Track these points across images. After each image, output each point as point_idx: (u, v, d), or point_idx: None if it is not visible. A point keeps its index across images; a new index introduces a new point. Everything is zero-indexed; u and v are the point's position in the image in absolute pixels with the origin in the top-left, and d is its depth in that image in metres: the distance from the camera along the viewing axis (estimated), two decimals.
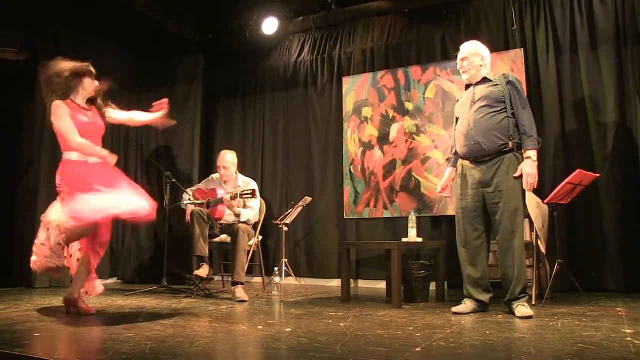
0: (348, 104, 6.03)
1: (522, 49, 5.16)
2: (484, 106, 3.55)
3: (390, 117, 5.76)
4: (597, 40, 4.90)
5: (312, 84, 6.35)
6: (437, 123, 5.45)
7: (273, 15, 6.23)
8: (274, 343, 2.59)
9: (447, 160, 4.02)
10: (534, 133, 3.49)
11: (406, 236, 4.44)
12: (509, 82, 3.58)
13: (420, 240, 4.36)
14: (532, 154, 3.45)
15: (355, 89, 5.99)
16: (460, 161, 3.71)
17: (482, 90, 3.62)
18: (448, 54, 5.51)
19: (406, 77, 5.72)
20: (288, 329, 2.98)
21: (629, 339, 2.59)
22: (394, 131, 5.72)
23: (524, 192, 3.53)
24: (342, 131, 6.03)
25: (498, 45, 5.29)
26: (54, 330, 2.91)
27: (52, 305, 4.00)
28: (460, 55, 3.76)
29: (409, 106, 5.67)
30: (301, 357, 2.26)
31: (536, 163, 3.46)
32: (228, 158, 5.19)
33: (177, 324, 3.15)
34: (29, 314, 3.57)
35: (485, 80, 3.66)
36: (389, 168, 5.70)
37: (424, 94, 5.61)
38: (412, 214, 4.48)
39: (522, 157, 3.53)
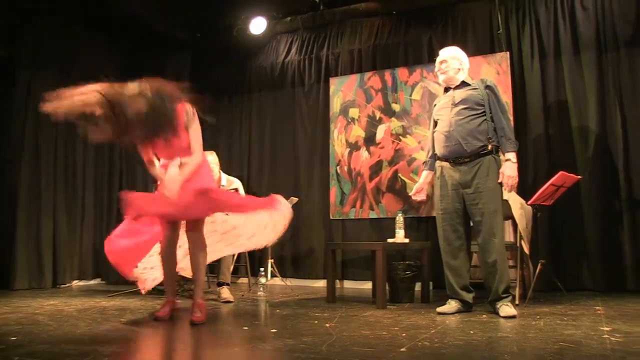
0: (335, 105, 6.04)
1: (508, 53, 5.21)
2: (465, 109, 3.59)
3: (377, 118, 5.78)
4: (579, 45, 4.98)
5: (299, 84, 6.35)
6: (424, 124, 5.47)
7: (261, 14, 6.23)
8: (259, 344, 2.59)
9: (423, 163, 4.03)
10: (512, 136, 3.55)
11: (392, 237, 4.45)
12: (487, 87, 3.62)
13: (404, 241, 4.38)
14: (512, 156, 3.49)
15: (343, 90, 6.00)
16: (439, 163, 3.73)
17: (461, 93, 3.66)
18: (435, 56, 5.53)
19: (393, 78, 5.74)
20: (273, 330, 2.98)
21: (606, 336, 2.64)
22: (381, 132, 5.74)
23: (502, 193, 3.57)
24: (328, 131, 6.04)
25: (484, 48, 5.34)
26: (33, 333, 2.86)
27: (31, 307, 3.95)
28: (439, 58, 3.81)
29: (396, 107, 5.70)
30: (286, 357, 2.26)
31: (516, 165, 3.50)
32: (209, 159, 5.18)
33: (162, 325, 3.13)
34: (6, 316, 3.50)
35: (464, 84, 3.70)
36: (375, 169, 5.72)
37: (410, 95, 5.64)
38: (400, 214, 4.49)
39: (500, 159, 3.57)
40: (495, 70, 5.19)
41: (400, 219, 4.42)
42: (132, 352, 2.38)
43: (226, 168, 5.44)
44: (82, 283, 5.91)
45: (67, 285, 5.68)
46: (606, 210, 4.72)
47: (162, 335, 2.78)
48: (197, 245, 3.36)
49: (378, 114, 5.79)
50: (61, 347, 2.50)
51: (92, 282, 6.09)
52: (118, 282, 6.00)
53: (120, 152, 6.41)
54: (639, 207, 4.61)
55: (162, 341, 2.61)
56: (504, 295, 3.43)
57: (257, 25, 6.25)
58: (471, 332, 2.83)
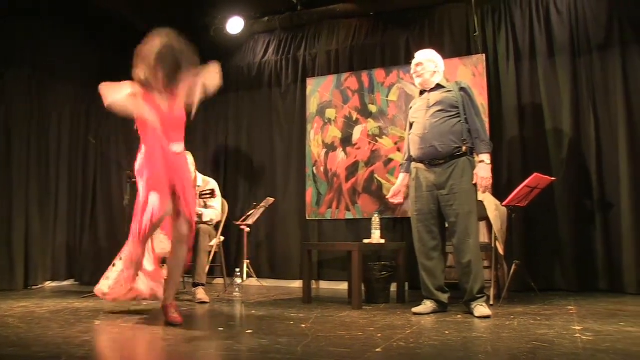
0: (312, 105, 6.03)
1: (484, 55, 5.26)
2: (439, 111, 3.62)
3: (354, 119, 5.80)
4: (554, 48, 5.06)
5: (276, 84, 6.33)
6: (400, 125, 5.50)
7: (238, 14, 6.19)
8: (235, 345, 2.57)
9: (400, 165, 4.05)
10: (486, 137, 3.59)
11: (368, 237, 4.46)
12: (461, 89, 3.66)
13: (380, 241, 4.39)
14: (486, 157, 3.53)
15: (319, 90, 6.00)
16: (414, 164, 3.75)
17: (436, 96, 3.68)
18: (412, 57, 5.57)
19: (370, 79, 5.76)
20: (249, 331, 2.97)
21: (577, 335, 2.69)
22: (357, 133, 5.76)
23: (477, 194, 3.61)
24: (305, 132, 6.03)
25: (461, 50, 5.39)
26: (2, 336, 2.79)
27: (0, 310, 3.85)
28: (415, 61, 3.83)
29: (373, 108, 5.72)
30: (262, 358, 2.25)
31: (490, 166, 3.53)
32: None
33: (136, 327, 3.10)
34: None
35: (438, 86, 3.73)
36: (352, 170, 5.73)
37: (387, 96, 5.66)
38: (376, 215, 4.51)
39: (475, 161, 3.60)
40: (471, 72, 5.24)
41: (376, 219, 4.43)
42: (106, 355, 2.35)
43: (202, 168, 5.40)
44: (54, 284, 5.81)
45: (39, 286, 5.57)
46: (579, 211, 4.80)
47: (136, 337, 2.74)
48: (181, 245, 3.26)
49: (355, 115, 5.80)
50: (32, 350, 2.45)
51: (65, 282, 5.98)
52: (92, 282, 5.92)
53: (94, 150, 6.32)
54: (610, 208, 4.69)
55: (136, 343, 2.58)
56: (479, 296, 3.46)
57: (235, 25, 6.21)
58: (446, 332, 2.85)
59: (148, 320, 3.33)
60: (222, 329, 3.06)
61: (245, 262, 5.36)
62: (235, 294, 4.71)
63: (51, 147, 5.87)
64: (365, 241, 4.44)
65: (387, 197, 4.11)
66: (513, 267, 4.06)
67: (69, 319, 3.40)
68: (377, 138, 5.65)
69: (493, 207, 4.21)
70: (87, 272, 6.10)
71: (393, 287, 4.42)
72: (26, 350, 2.43)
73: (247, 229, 5.44)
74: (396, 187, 3.96)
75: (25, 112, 5.56)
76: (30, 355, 2.34)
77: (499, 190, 4.80)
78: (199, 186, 5.05)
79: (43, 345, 2.52)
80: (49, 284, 5.76)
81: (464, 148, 3.55)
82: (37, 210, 5.60)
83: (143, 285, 3.46)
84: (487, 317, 3.31)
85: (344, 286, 5.26)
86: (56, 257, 5.88)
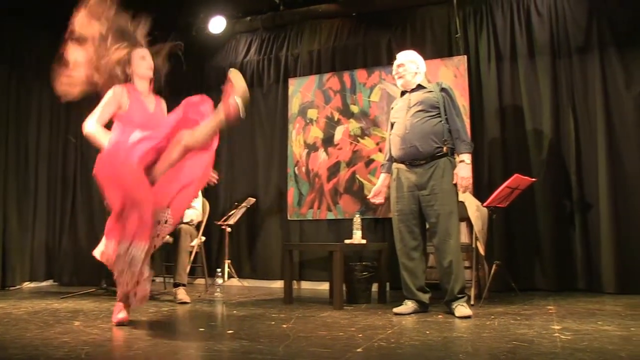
0: (293, 106, 6.03)
1: (465, 56, 5.30)
2: (420, 111, 3.63)
3: (336, 120, 5.80)
4: (534, 50, 5.11)
5: (258, 84, 6.31)
6: (382, 126, 5.52)
7: (220, 14, 6.16)
8: (216, 345, 2.56)
9: (381, 166, 4.06)
10: (467, 138, 3.61)
11: (349, 238, 4.47)
12: (442, 89, 3.68)
13: (362, 242, 4.40)
14: (466, 157, 3.55)
15: (301, 91, 6.00)
16: (395, 165, 3.76)
17: (417, 96, 3.70)
18: (394, 58, 5.59)
19: (352, 80, 5.77)
20: (230, 331, 2.95)
21: (556, 334, 2.72)
22: (339, 133, 5.76)
23: (457, 195, 3.63)
24: (287, 132, 6.02)
25: (442, 51, 5.42)
26: None
27: None
28: (396, 62, 3.85)
29: (354, 109, 5.73)
30: (243, 359, 2.24)
31: (470, 166, 3.56)
32: None
33: (116, 327, 3.06)
34: None
35: (420, 87, 3.75)
36: (333, 170, 5.74)
37: (369, 97, 5.68)
38: (357, 215, 4.52)
39: (456, 161, 3.63)
40: (452, 74, 5.28)
41: (357, 220, 4.44)
42: (85, 356, 2.32)
43: None
44: (33, 285, 5.73)
45: (17, 287, 5.49)
46: (559, 212, 4.85)
47: (116, 337, 2.72)
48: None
49: (336, 115, 5.81)
50: (8, 352, 2.41)
51: (44, 283, 5.91)
52: (71, 283, 5.86)
53: (75, 149, 6.25)
54: (589, 208, 4.76)
55: (116, 343, 2.55)
56: (460, 296, 3.48)
57: (216, 25, 6.18)
58: (427, 332, 2.86)
59: (128, 321, 3.30)
60: (203, 329, 3.04)
61: (227, 262, 5.34)
62: (216, 294, 4.69)
63: (30, 145, 5.79)
64: (347, 241, 4.44)
65: (368, 197, 4.12)
66: (493, 267, 4.09)
67: (48, 320, 3.35)
68: (359, 138, 5.66)
69: (474, 207, 4.25)
70: (67, 272, 6.04)
71: (374, 288, 4.43)
72: (3, 353, 2.39)
73: (229, 229, 5.42)
74: (377, 188, 3.97)
75: (4, 110, 5.48)
76: (7, 357, 2.30)
77: (480, 191, 4.84)
78: None
79: (20, 347, 2.49)
80: (27, 285, 5.68)
81: (444, 148, 3.57)
82: (15, 209, 5.53)
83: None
84: (468, 317, 3.33)
85: (325, 286, 5.27)
86: (35, 257, 5.80)
